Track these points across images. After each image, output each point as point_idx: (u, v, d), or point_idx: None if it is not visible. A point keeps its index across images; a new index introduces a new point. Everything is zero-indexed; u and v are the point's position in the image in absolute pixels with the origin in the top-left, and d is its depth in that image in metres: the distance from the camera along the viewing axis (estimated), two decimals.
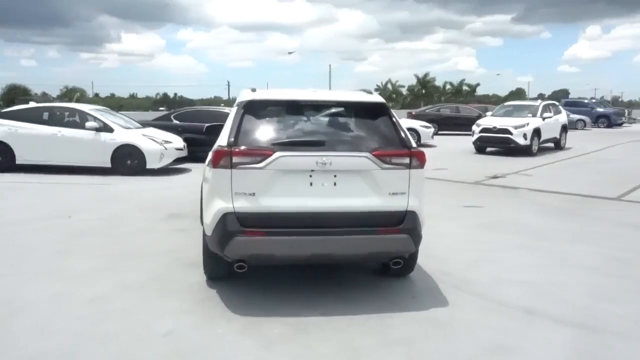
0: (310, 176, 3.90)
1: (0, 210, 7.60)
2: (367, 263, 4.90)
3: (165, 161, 11.25)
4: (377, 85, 76.35)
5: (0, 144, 11.09)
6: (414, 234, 4.05)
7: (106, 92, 78.74)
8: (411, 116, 23.88)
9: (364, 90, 4.76)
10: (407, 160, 4.04)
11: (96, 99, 52.04)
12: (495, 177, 11.49)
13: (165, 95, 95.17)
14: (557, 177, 11.77)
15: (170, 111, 15.80)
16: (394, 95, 74.14)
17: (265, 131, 4.06)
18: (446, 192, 9.68)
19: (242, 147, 3.89)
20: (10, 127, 11.14)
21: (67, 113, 11.62)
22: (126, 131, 11.34)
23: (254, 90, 4.51)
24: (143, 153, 11.01)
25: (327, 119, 4.31)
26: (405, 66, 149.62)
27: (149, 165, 11.03)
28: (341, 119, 4.35)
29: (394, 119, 4.26)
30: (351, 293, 4.43)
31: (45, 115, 11.49)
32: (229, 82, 78.48)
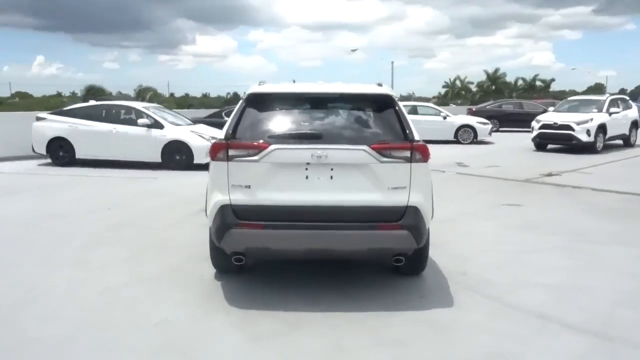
0: (306, 169, 3.85)
1: (52, 203, 8.06)
2: (367, 259, 4.78)
3: None
4: (445, 82, 74.31)
5: (62, 140, 11.78)
6: (415, 231, 3.90)
7: (181, 92, 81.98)
8: (471, 112, 23.15)
9: (377, 84, 4.66)
10: (407, 154, 3.89)
11: (170, 99, 54.30)
12: (549, 174, 10.89)
13: (235, 94, 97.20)
14: (618, 176, 10.99)
15: (222, 108, 16.19)
16: (463, 92, 71.91)
17: (263, 124, 4.06)
18: (489, 190, 9.30)
19: (238, 140, 3.91)
20: (71, 124, 11.79)
21: (122, 111, 12.15)
22: (175, 128, 11.72)
23: (261, 83, 4.52)
24: (191, 149, 11.34)
25: (328, 111, 4.22)
26: (476, 62, 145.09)
27: (196, 160, 11.34)
28: (343, 112, 4.25)
29: (399, 112, 4.12)
30: (358, 290, 4.34)
31: (103, 113, 12.08)
32: (294, 81, 79.35)
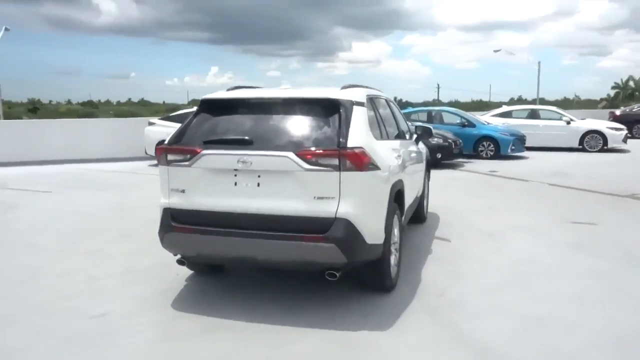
0: (235, 175, 3.79)
1: (125, 198, 8.95)
2: (302, 270, 4.50)
3: None
4: (615, 83, 66.64)
5: None
6: (343, 244, 3.61)
7: None
8: (614, 117, 20.48)
9: (344, 87, 4.44)
10: (335, 162, 3.62)
11: None
12: None
13: None
14: None
15: None
16: (637, 93, 63.64)
17: (206, 129, 4.07)
18: (570, 204, 8.20)
19: (176, 145, 3.99)
20: (175, 129, 12.88)
21: None
22: None
23: (232, 89, 4.56)
24: None
25: (269, 117, 4.08)
26: None
27: None
28: (283, 118, 4.07)
29: (343, 117, 3.86)
30: (304, 302, 4.14)
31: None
32: (438, 85, 77.80)
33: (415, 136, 6.20)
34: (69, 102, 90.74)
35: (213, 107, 4.20)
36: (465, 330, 3.65)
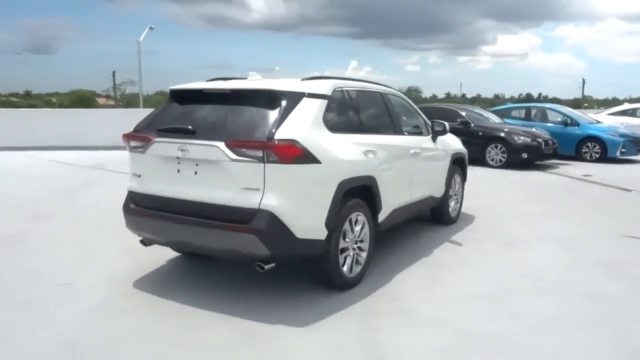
0: (179, 163, 3.93)
1: None
2: (234, 259, 4.50)
3: None
4: None
5: None
6: (265, 236, 3.58)
7: (472, 93, 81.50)
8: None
9: (313, 78, 4.38)
10: (259, 154, 3.60)
11: (455, 100, 53.92)
12: None
13: (528, 95, 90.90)
14: None
15: None
16: None
17: (163, 118, 4.24)
18: (622, 214, 7.17)
19: (136, 132, 4.23)
20: None
21: None
22: None
23: (209, 80, 4.71)
24: None
25: (220, 107, 4.10)
26: None
27: None
28: (230, 108, 4.06)
29: (285, 108, 3.82)
30: (254, 293, 4.13)
31: None
32: (583, 80, 71.06)
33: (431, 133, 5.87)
34: None
35: (177, 97, 4.38)
36: (383, 340, 3.42)
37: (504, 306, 4.01)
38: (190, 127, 3.95)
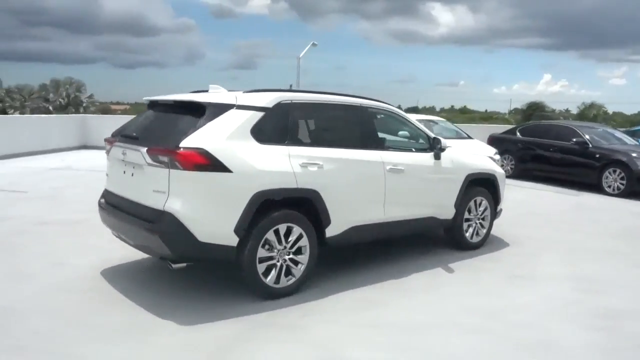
0: (125, 165, 4.39)
1: None
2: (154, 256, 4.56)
3: None
4: None
5: None
6: (166, 237, 3.84)
7: None
8: None
9: (258, 90, 4.55)
10: (166, 160, 3.88)
11: (616, 116, 47.14)
12: None
13: None
14: None
15: (519, 125, 14.50)
16: None
17: (131, 125, 4.75)
18: None
19: (110, 137, 4.80)
20: None
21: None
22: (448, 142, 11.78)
23: (193, 92, 5.13)
24: None
25: (163, 116, 4.46)
26: None
27: None
28: (170, 117, 4.36)
29: (204, 119, 4.06)
30: (187, 293, 4.43)
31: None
32: None
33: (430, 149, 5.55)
34: (399, 107, 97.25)
35: (149, 107, 4.88)
36: (239, 348, 3.45)
37: (411, 341, 3.68)
38: (134, 133, 4.41)
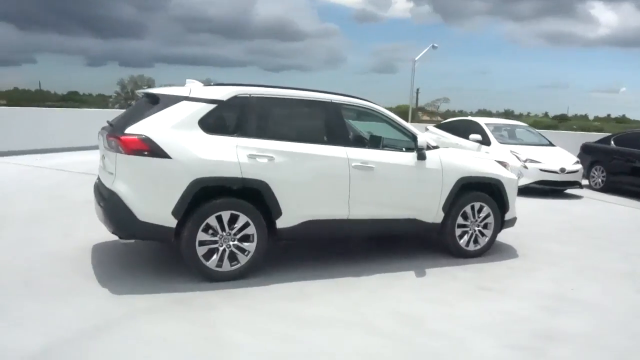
0: (102, 151, 4.84)
1: None
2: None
3: (523, 181, 10.36)
4: None
5: None
6: (108, 213, 4.33)
7: None
8: None
9: (218, 84, 4.86)
10: (114, 144, 4.30)
11: None
12: None
13: None
14: None
15: (614, 133, 12.78)
16: None
17: (118, 116, 5.27)
18: None
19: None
20: (438, 136, 13.25)
21: (468, 126, 12.48)
22: (501, 146, 11.16)
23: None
24: None
25: (138, 107, 4.87)
26: None
27: None
28: (139, 108, 4.76)
29: (155, 109, 4.46)
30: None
31: (461, 128, 12.71)
32: None
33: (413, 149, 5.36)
34: (545, 114, 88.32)
35: (137, 100, 5.38)
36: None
37: (303, 335, 3.69)
38: (112, 122, 4.92)
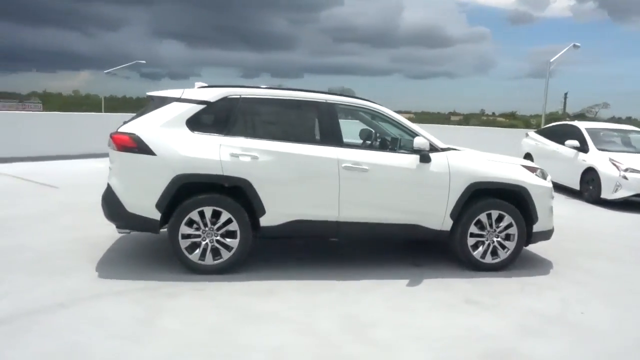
0: None
1: None
2: None
3: (622, 193, 9.15)
4: None
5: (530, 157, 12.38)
6: (104, 204, 4.79)
7: None
8: None
9: (209, 86, 5.08)
10: (110, 142, 4.73)
11: None
12: None
13: None
14: None
15: None
16: None
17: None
18: None
19: None
20: (537, 142, 12.19)
21: (566, 131, 11.25)
22: (599, 153, 9.93)
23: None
24: (600, 178, 9.53)
25: (145, 109, 5.20)
26: None
27: (603, 195, 9.42)
28: (144, 108, 5.09)
29: (148, 108, 4.83)
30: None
31: (560, 133, 11.55)
32: None
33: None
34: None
35: None
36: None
37: (223, 329, 3.73)
38: (123, 122, 5.40)
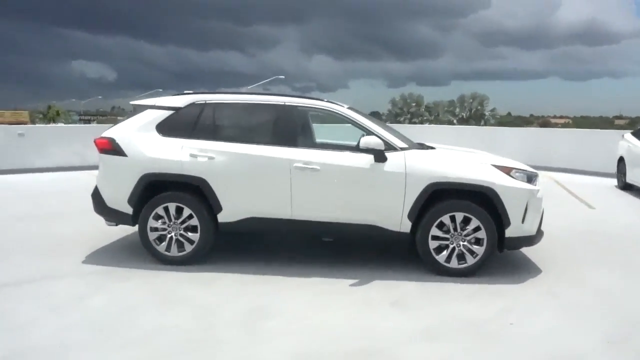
0: None
1: None
2: None
3: None
4: None
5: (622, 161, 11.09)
6: (93, 200, 5.45)
7: None
8: None
9: (186, 93, 5.50)
10: (95, 145, 5.42)
11: None
12: None
13: None
14: None
15: None
16: None
17: None
18: None
19: None
20: (630, 145, 10.86)
21: None
22: None
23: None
24: None
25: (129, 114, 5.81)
26: None
27: None
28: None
29: (131, 115, 5.43)
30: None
31: None
32: None
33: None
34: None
35: None
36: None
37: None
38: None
